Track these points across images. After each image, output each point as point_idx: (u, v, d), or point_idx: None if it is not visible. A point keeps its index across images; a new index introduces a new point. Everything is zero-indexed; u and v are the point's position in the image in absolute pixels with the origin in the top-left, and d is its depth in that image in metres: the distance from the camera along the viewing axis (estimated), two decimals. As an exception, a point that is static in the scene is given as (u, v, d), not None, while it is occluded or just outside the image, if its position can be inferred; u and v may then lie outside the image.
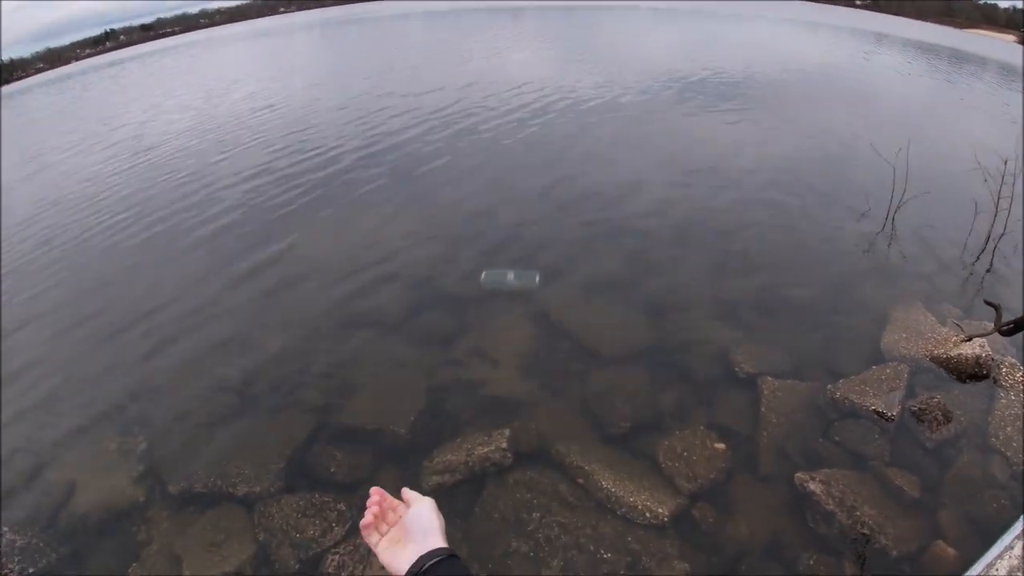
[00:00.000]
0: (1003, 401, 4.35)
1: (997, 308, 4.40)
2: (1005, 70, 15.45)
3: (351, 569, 3.64)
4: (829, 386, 4.66)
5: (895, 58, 19.23)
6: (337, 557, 3.71)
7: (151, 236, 8.23)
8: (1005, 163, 6.25)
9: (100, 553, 3.98)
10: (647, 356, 5.33)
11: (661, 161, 9.55)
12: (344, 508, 4.03)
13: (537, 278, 5.74)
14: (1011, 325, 4.21)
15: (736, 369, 5.00)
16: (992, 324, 4.41)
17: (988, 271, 6.09)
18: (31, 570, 3.82)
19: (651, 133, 10.92)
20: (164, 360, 5.76)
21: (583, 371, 5.21)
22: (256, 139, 12.31)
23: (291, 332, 5.97)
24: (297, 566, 3.73)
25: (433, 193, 8.76)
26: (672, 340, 5.53)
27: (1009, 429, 4.12)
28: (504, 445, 4.26)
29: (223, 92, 20.22)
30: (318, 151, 10.78)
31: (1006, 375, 4.53)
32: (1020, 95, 12.82)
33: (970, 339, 4.57)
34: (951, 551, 3.43)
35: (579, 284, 6.43)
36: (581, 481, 4.11)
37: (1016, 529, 2.99)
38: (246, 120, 14.47)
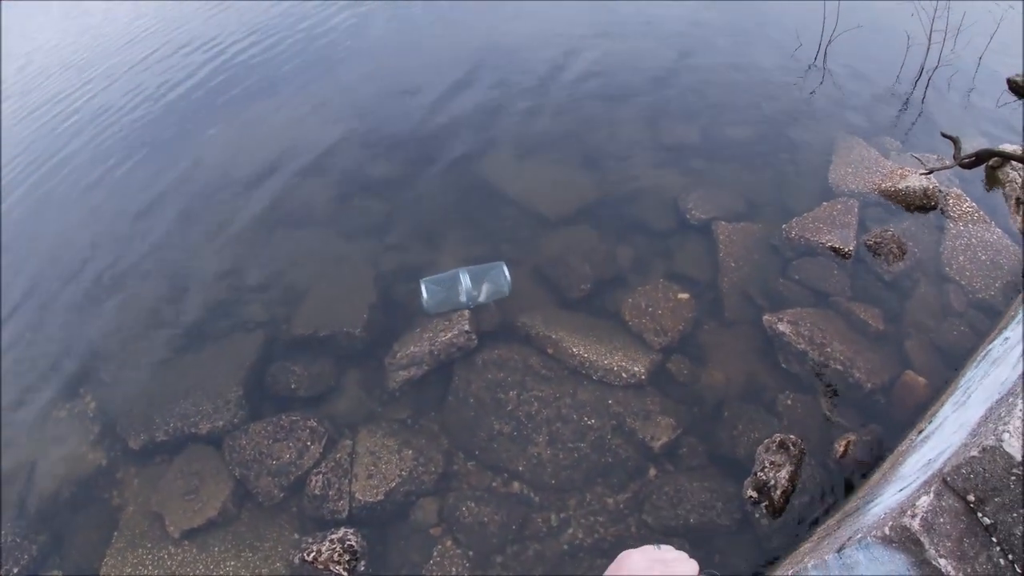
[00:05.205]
0: (952, 231, 4.41)
1: (955, 141, 4.32)
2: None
3: (338, 486, 3.41)
4: (783, 225, 4.55)
5: None
6: (321, 476, 3.45)
7: (39, 179, 6.78)
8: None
9: (80, 530, 3.59)
10: (595, 213, 4.99)
11: (573, 12, 8.58)
12: (315, 424, 3.70)
13: (505, 270, 4.18)
14: (972, 158, 4.14)
15: (688, 216, 4.77)
16: (951, 157, 4.34)
17: (922, 103, 6.04)
18: (15, 570, 3.36)
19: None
20: (91, 307, 4.93)
21: (532, 237, 4.83)
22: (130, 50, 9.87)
23: (216, 248, 5.18)
24: (282, 495, 3.47)
25: (337, 72, 7.56)
26: (618, 192, 5.17)
27: (961, 258, 4.20)
28: (467, 327, 3.93)
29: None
30: (197, 50, 8.88)
31: (953, 206, 4.56)
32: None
33: (931, 172, 4.51)
34: (921, 380, 3.53)
35: (512, 146, 5.83)
36: (551, 351, 3.89)
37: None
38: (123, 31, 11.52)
